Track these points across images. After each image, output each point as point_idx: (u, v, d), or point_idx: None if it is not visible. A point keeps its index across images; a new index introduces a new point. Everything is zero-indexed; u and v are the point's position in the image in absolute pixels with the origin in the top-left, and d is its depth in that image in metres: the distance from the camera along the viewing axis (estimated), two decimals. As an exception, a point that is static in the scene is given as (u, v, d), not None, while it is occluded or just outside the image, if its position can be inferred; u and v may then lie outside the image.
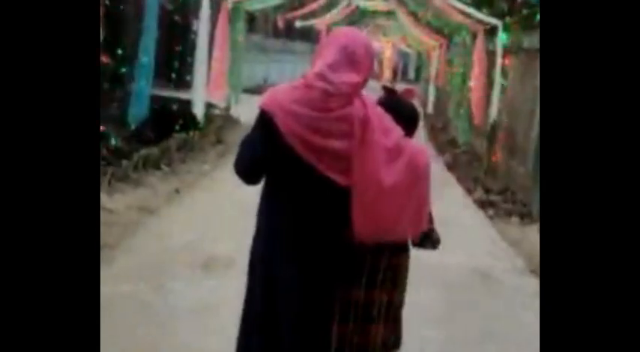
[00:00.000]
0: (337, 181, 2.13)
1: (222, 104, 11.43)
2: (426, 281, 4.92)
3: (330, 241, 2.21)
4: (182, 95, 9.86)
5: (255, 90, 15.83)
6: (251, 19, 20.09)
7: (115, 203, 5.99)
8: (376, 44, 42.02)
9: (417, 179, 2.21)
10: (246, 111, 12.02)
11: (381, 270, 2.33)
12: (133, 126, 6.82)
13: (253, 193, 2.41)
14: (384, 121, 2.20)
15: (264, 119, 2.13)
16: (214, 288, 4.38)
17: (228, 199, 6.47)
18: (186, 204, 6.68)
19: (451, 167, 10.67)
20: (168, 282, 4.40)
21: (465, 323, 4.35)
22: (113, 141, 7.24)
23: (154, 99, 8.46)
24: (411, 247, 2.44)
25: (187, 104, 8.93)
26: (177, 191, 7.04)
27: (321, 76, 2.12)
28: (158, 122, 8.57)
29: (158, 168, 7.79)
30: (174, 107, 9.05)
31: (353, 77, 2.14)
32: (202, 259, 4.91)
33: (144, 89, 6.49)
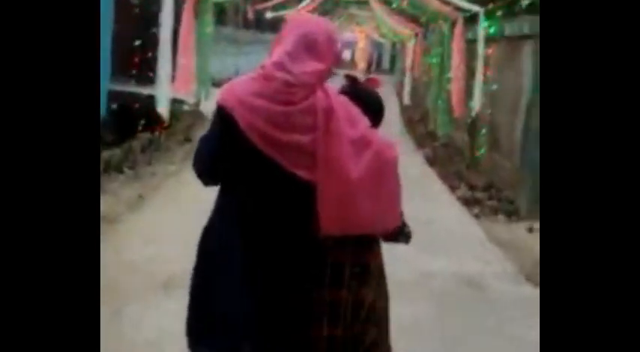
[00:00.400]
0: (302, 176, 2.04)
1: (191, 100, 10.84)
2: (411, 291, 4.50)
3: (293, 239, 2.12)
4: (145, 91, 9.29)
5: (227, 83, 15.31)
6: (221, 11, 19.65)
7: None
8: (349, 35, 41.69)
9: (385, 172, 2.14)
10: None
11: (347, 266, 2.23)
12: None
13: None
14: (349, 111, 2.12)
15: (222, 114, 2.05)
16: (176, 313, 3.88)
17: (194, 203, 5.95)
18: (149, 212, 6.14)
19: (431, 161, 10.25)
20: (125, 306, 3.90)
21: (453, 340, 3.91)
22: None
23: (114, 96, 7.87)
24: (381, 244, 2.35)
25: (151, 100, 8.35)
26: (140, 197, 6.51)
27: (280, 66, 2.04)
28: (119, 122, 7.99)
29: (121, 171, 7.23)
30: (137, 104, 8.44)
31: (315, 66, 2.06)
32: (164, 277, 4.41)
33: (100, 87, 5.92)
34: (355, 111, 2.16)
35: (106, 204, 5.99)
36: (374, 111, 2.31)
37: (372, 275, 2.30)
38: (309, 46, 2.08)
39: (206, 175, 2.14)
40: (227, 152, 2.06)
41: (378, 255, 2.35)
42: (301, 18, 2.25)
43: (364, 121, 2.15)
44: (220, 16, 18.83)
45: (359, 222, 2.14)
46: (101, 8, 6.09)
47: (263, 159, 2.03)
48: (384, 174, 2.14)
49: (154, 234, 5.47)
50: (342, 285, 2.23)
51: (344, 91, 2.29)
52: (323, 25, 2.18)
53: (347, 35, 40.88)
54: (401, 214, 2.30)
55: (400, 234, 2.31)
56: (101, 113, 6.36)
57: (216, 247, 2.14)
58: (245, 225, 2.09)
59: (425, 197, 7.82)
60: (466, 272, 5.17)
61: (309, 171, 2.05)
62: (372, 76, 2.78)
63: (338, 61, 2.29)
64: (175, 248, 5.00)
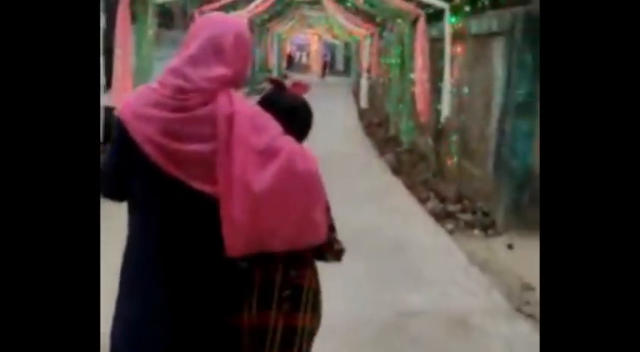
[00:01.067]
0: (205, 191, 1.92)
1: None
2: (389, 337, 3.74)
3: (205, 259, 2.00)
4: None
5: None
6: (167, 14, 18.83)
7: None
8: (302, 37, 41.08)
9: (297, 185, 1.97)
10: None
11: (276, 288, 2.11)
12: None
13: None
14: (255, 119, 1.98)
15: (119, 127, 1.95)
16: None
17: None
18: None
19: (396, 170, 9.54)
20: None
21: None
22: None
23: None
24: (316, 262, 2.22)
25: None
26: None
27: (175, 72, 1.95)
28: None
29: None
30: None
31: (218, 71, 1.95)
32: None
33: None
34: (264, 118, 2.01)
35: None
36: (298, 121, 2.18)
37: (305, 295, 2.17)
38: (215, 50, 1.96)
39: (107, 192, 2.04)
40: (126, 168, 1.96)
41: (314, 272, 2.22)
42: (209, 19, 2.06)
43: (273, 130, 1.99)
44: (166, 19, 18.06)
45: (267, 240, 1.98)
46: None
47: (162, 174, 1.91)
48: (295, 187, 1.97)
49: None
50: (270, 308, 2.10)
51: (263, 100, 2.18)
52: (232, 26, 2.02)
53: (299, 37, 40.31)
54: (330, 229, 2.13)
55: (328, 251, 2.16)
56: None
57: (133, 271, 2.04)
58: (156, 246, 1.99)
59: (392, 211, 7.12)
60: (452, 310, 4.43)
61: (213, 185, 1.92)
62: (298, 80, 2.41)
63: (248, 65, 2.07)
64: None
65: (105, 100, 7.83)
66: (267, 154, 1.94)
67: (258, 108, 2.07)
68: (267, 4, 18.37)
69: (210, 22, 2.03)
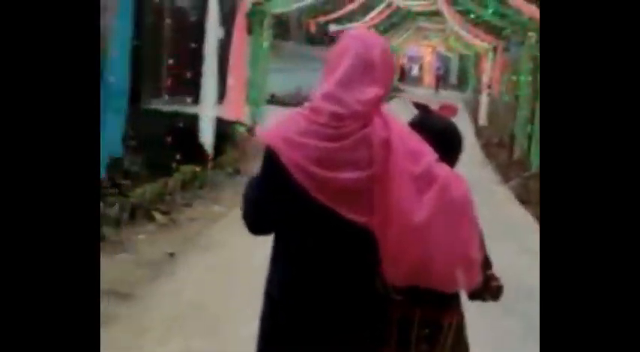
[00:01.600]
0: (359, 221, 1.84)
1: (246, 122, 9.57)
2: None
3: (354, 295, 1.93)
4: (186, 111, 8.04)
5: (287, 100, 14.44)
6: (282, 24, 18.84)
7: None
8: (415, 48, 40.32)
9: (454, 214, 1.86)
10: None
11: (415, 326, 2.01)
12: (102, 173, 4.84)
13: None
14: (410, 143, 1.90)
15: (268, 155, 1.89)
16: None
17: (243, 263, 4.67)
18: (179, 280, 4.78)
19: (523, 199, 8.61)
20: None
21: None
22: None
23: (143, 120, 6.61)
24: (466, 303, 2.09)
25: (190, 127, 7.07)
26: (171, 255, 5.19)
27: (329, 97, 1.85)
28: (150, 153, 6.71)
29: (151, 218, 5.95)
30: (172, 133, 7.12)
31: (370, 92, 1.86)
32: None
33: (114, 118, 4.58)
34: (418, 142, 1.94)
35: (120, 271, 4.69)
36: (450, 145, 2.12)
37: (445, 336, 2.07)
38: (366, 69, 1.89)
39: (251, 224, 1.96)
40: (275, 198, 1.89)
41: (455, 313, 2.11)
42: (353, 36, 1.97)
43: (428, 154, 1.92)
44: (281, 29, 18.03)
45: (426, 276, 1.89)
46: (120, 20, 4.96)
47: (313, 203, 1.83)
48: (452, 216, 1.87)
49: (183, 315, 4.12)
50: (408, 347, 2.04)
51: (413, 123, 2.11)
52: (378, 42, 1.96)
53: (412, 49, 39.62)
54: (486, 264, 2.06)
55: (485, 289, 2.04)
56: (118, 153, 5.07)
57: (275, 294, 1.99)
58: (301, 273, 1.93)
59: (524, 252, 6.20)
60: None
61: (367, 215, 1.85)
62: (446, 102, 2.33)
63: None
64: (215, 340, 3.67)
65: (216, 111, 7.50)
66: (424, 181, 1.87)
67: (410, 130, 2.00)
68: (384, 15, 17.99)
69: (355, 39, 1.94)
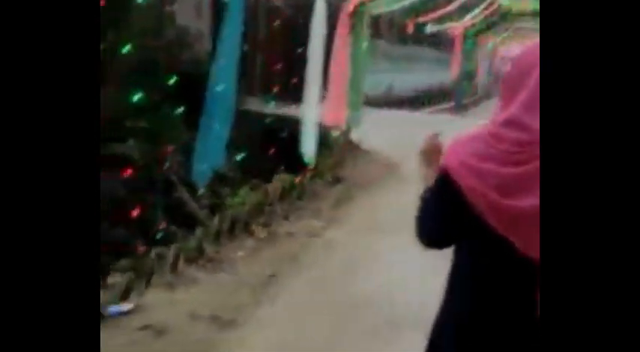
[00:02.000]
0: (532, 256, 1.70)
1: (342, 126, 9.16)
2: None
3: (517, 330, 1.83)
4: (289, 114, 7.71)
5: (378, 101, 14.00)
6: (373, 24, 18.45)
7: (157, 312, 3.85)
8: (509, 49, 39.05)
9: None
10: (369, 133, 9.81)
11: None
12: (200, 189, 4.49)
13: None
14: None
15: (444, 177, 1.84)
16: None
17: (349, 285, 4.26)
18: (280, 307, 4.38)
19: None
20: None
21: None
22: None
23: (247, 118, 6.27)
24: None
25: (292, 133, 6.69)
26: (272, 276, 4.80)
27: (514, 124, 1.75)
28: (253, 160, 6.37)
29: (249, 233, 5.59)
30: (275, 142, 6.76)
31: None
32: None
33: (221, 128, 4.22)
34: None
35: (218, 293, 4.32)
36: None
37: None
38: None
39: (427, 243, 1.95)
40: (449, 224, 1.88)
41: None
42: (533, 53, 1.77)
43: None
44: (373, 29, 17.65)
45: None
46: (228, 27, 4.61)
47: (490, 233, 1.76)
48: None
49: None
50: None
51: None
52: None
53: (507, 50, 38.46)
54: None
55: None
56: (219, 165, 4.72)
57: (444, 318, 1.95)
58: (469, 303, 1.87)
59: None
60: None
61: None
62: None
63: None
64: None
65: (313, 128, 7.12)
66: None
67: None
68: (484, 15, 17.34)
69: (535, 57, 1.79)
